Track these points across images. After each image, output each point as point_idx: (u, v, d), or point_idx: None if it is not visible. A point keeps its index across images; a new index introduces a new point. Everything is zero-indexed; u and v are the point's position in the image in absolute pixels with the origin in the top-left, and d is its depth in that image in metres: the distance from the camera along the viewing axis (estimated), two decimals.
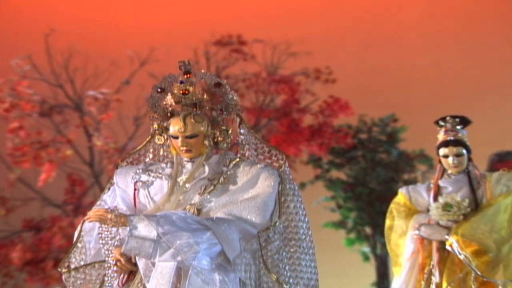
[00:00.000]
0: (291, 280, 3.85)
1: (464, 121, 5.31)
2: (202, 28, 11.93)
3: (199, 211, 3.82)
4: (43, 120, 11.50)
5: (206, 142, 3.90)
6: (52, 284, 10.92)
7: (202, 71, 4.02)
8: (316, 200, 12.01)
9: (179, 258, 3.60)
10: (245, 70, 12.25)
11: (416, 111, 12.06)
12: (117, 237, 3.71)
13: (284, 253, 3.86)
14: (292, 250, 3.89)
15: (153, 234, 3.58)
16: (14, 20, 13.01)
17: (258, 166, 3.90)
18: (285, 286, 3.79)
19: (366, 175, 12.00)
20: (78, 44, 11.49)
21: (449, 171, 5.34)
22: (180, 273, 3.68)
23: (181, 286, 3.66)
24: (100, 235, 3.75)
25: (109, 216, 3.67)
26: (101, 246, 3.76)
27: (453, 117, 5.30)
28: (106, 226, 3.70)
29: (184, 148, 3.89)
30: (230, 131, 3.95)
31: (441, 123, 5.34)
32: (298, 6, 13.34)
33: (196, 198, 3.86)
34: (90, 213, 3.74)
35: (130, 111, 11.54)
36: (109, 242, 3.74)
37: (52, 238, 11.00)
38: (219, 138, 3.93)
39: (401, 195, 5.52)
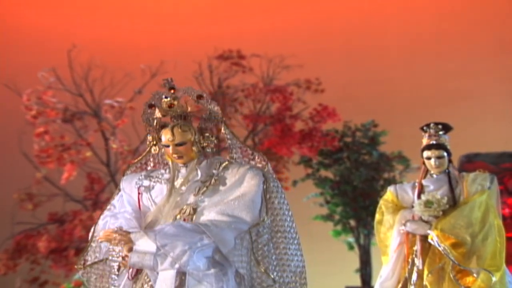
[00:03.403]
0: (277, 268, 3.84)
1: (446, 127, 5.28)
2: (206, 44, 11.87)
3: (194, 210, 3.79)
4: (65, 126, 11.44)
5: (195, 148, 3.89)
6: (73, 270, 10.82)
7: (187, 87, 3.99)
8: (306, 196, 11.95)
9: (177, 265, 3.58)
10: (244, 81, 12.18)
11: (395, 118, 12.06)
12: (121, 253, 3.73)
13: (271, 244, 3.84)
14: (278, 241, 3.87)
15: (152, 248, 3.59)
16: (40, 38, 12.99)
17: (245, 167, 3.88)
18: (271, 275, 3.77)
19: (351, 174, 11.92)
20: (97, 58, 11.46)
21: (432, 172, 5.29)
22: (183, 278, 3.65)
23: None
24: (110, 253, 3.78)
25: (114, 235, 3.67)
26: (111, 262, 3.80)
27: (436, 123, 5.26)
28: (113, 245, 3.73)
29: (176, 155, 3.88)
30: (213, 137, 3.94)
31: (425, 128, 5.30)
32: (290, 26, 13.34)
33: (192, 199, 3.83)
34: (102, 234, 3.74)
35: None
36: (115, 258, 3.77)
37: (73, 229, 10.93)
38: (205, 144, 3.91)
39: (390, 193, 5.45)
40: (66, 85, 11.59)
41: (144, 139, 11.54)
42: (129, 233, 3.67)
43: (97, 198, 11.43)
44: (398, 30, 13.11)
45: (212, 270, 3.65)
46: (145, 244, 3.61)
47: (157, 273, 3.67)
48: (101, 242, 3.80)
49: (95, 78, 11.67)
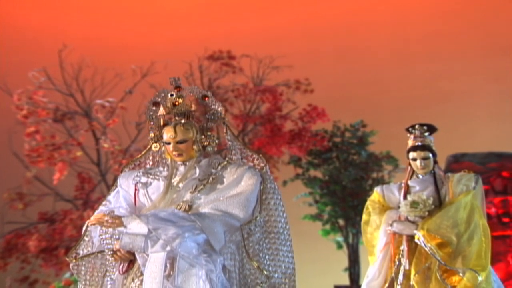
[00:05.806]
0: (270, 268, 3.87)
1: (431, 129, 5.30)
2: (196, 45, 11.88)
3: (190, 207, 3.81)
4: (56, 125, 11.43)
5: (195, 147, 3.92)
6: (64, 269, 10.83)
7: (192, 86, 4.10)
8: (296, 195, 11.95)
9: (168, 248, 3.63)
10: (234, 82, 12.18)
11: (383, 118, 12.08)
12: (114, 236, 3.74)
13: (264, 244, 3.88)
14: (271, 241, 3.91)
15: (144, 230, 3.62)
16: (31, 38, 12.97)
17: (243, 167, 3.91)
18: (265, 272, 3.80)
19: (340, 174, 11.94)
20: (88, 59, 11.48)
21: (418, 173, 5.32)
22: (172, 262, 3.69)
23: (173, 272, 3.68)
24: (100, 236, 3.79)
25: (106, 218, 3.71)
26: (102, 244, 3.81)
27: (421, 125, 5.28)
28: (104, 228, 3.76)
29: (176, 152, 3.91)
30: (215, 136, 3.99)
31: (411, 130, 5.31)
32: (280, 26, 13.35)
33: (188, 196, 3.85)
34: (92, 218, 3.78)
35: (133, 117, 11.43)
36: (107, 241, 3.78)
37: (64, 229, 10.93)
38: (206, 143, 3.95)
39: (376, 193, 5.47)
40: (57, 85, 11.59)
41: (135, 138, 11.57)
42: (120, 216, 3.72)
43: (88, 197, 11.43)
44: (388, 31, 13.15)
45: (202, 256, 3.70)
46: (136, 227, 3.65)
47: (147, 255, 3.71)
48: (92, 225, 3.82)
49: (86, 78, 11.67)
